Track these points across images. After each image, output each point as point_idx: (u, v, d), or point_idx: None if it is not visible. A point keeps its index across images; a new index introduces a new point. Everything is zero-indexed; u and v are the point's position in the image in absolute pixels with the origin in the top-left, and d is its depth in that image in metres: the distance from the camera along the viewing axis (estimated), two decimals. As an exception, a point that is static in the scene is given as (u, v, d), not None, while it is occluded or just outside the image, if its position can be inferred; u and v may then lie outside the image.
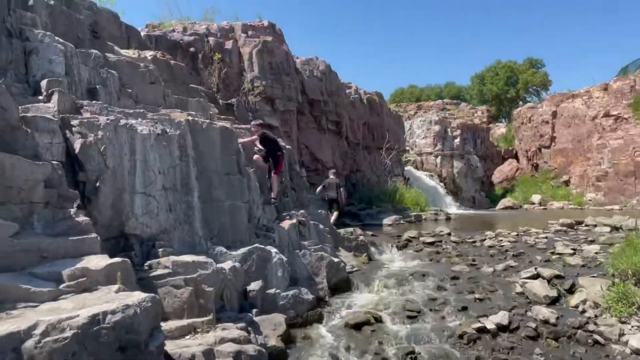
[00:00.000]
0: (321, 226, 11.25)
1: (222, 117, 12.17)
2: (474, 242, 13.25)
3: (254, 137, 10.49)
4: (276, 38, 18.00)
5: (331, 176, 15.61)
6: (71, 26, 9.10)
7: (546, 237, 13.30)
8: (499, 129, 44.03)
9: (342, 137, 22.18)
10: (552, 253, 11.09)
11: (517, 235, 14.05)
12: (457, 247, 12.65)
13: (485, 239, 13.41)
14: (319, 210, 12.86)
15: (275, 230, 9.31)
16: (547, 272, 8.98)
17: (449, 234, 14.40)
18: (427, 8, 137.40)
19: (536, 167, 35.11)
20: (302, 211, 11.18)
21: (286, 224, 9.81)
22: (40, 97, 7.00)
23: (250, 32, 17.31)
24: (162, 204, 7.25)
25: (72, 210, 5.67)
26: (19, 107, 6.16)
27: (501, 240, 13.07)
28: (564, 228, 15.30)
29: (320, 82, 20.24)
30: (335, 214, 14.76)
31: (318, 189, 15.27)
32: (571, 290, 8.32)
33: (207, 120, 8.87)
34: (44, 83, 7.16)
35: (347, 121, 22.49)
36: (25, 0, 8.37)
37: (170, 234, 7.29)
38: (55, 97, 6.82)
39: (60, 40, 7.97)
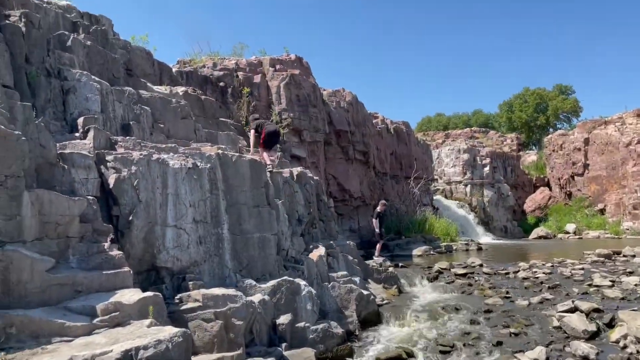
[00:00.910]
0: (350, 257, 11.17)
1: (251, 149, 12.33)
2: (507, 273, 12.94)
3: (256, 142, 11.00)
4: (303, 71, 18.30)
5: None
6: (106, 65, 9.45)
7: (582, 268, 12.91)
8: (530, 157, 43.33)
9: (370, 166, 22.16)
10: (590, 285, 10.74)
11: (552, 266, 13.67)
12: (490, 279, 12.36)
13: (519, 271, 13.08)
14: (348, 242, 12.78)
15: (304, 262, 9.28)
16: (585, 305, 8.67)
17: (481, 265, 14.10)
18: (452, 36, 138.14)
19: (569, 195, 34.30)
20: (330, 242, 11.14)
21: (315, 255, 9.77)
22: (77, 134, 7.24)
23: (277, 66, 17.65)
24: (192, 237, 7.34)
25: (106, 244, 5.79)
26: (57, 144, 6.38)
27: (536, 272, 12.73)
28: (601, 259, 14.83)
29: (347, 112, 20.39)
30: (377, 245, 14.80)
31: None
32: (611, 325, 8.01)
33: (237, 154, 9.00)
34: (80, 120, 7.42)
35: (374, 151, 22.51)
36: (63, 41, 8.74)
37: (200, 267, 7.34)
38: (91, 134, 7.05)
39: (96, 78, 8.29)
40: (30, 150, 5.32)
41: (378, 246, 14.75)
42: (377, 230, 14.97)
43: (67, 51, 8.57)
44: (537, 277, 12.11)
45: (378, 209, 15.58)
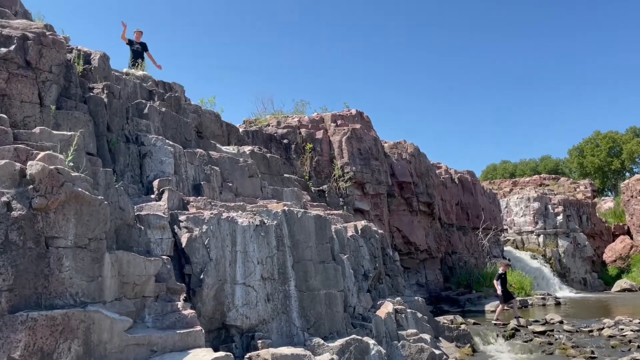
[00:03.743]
0: (419, 314, 10.79)
1: (315, 203, 12.47)
2: (591, 331, 12.05)
3: None
4: (364, 125, 18.55)
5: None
6: (179, 129, 10.00)
7: (676, 325, 11.80)
8: (606, 204, 40.97)
9: (435, 218, 21.72)
10: (687, 344, 9.77)
11: (641, 322, 12.59)
12: (572, 337, 11.53)
13: (603, 327, 12.16)
14: (416, 297, 12.40)
15: (371, 319, 9.07)
16: (684, 367, 7.88)
17: (561, 322, 13.23)
18: (514, 81, 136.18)
19: (654, 243, 31.89)
20: (398, 298, 10.85)
21: (382, 312, 9.53)
22: (153, 196, 7.62)
23: (339, 121, 18.01)
24: (260, 294, 7.38)
25: (180, 303, 5.93)
26: (134, 207, 6.73)
27: (622, 329, 11.77)
28: (697, 314, 13.52)
29: (409, 164, 20.31)
30: (498, 308, 14.25)
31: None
32: None
33: (302, 210, 9.11)
34: (155, 183, 7.82)
35: (439, 202, 22.11)
36: (141, 109, 9.39)
37: (268, 325, 7.34)
38: (165, 195, 7.40)
39: (170, 142, 8.77)
40: (111, 213, 5.63)
41: (499, 309, 14.11)
42: (499, 292, 14.38)
43: (144, 118, 9.17)
44: (625, 335, 11.20)
45: (500, 269, 15.00)
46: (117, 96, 8.61)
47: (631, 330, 11.54)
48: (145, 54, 12.83)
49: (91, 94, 8.24)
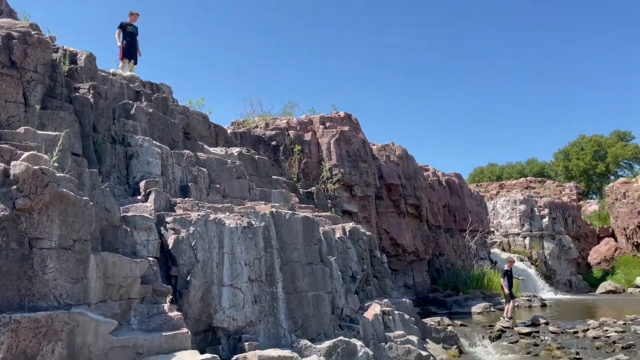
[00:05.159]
0: (406, 316, 10.82)
1: (303, 205, 12.46)
2: (576, 332, 12.16)
3: None
4: (352, 127, 18.59)
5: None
6: (166, 130, 9.94)
7: (660, 326, 11.96)
8: (591, 206, 41.47)
9: (422, 220, 21.80)
10: (670, 345, 9.91)
11: (625, 324, 12.75)
12: (557, 339, 11.63)
13: (588, 329, 12.27)
14: (403, 299, 12.43)
15: (359, 321, 9.07)
16: (667, 368, 7.98)
17: (547, 323, 13.33)
18: (502, 84, 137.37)
19: (637, 246, 32.30)
20: (385, 300, 10.87)
21: (370, 314, 9.54)
22: (139, 197, 7.56)
23: (327, 123, 18.03)
24: (247, 296, 7.35)
25: (166, 305, 5.89)
26: (120, 208, 6.67)
27: (607, 330, 11.89)
28: (680, 315, 13.71)
29: (397, 166, 20.39)
30: (509, 305, 14.11)
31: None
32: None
33: (290, 211, 9.10)
34: (142, 184, 7.75)
35: (426, 204, 22.20)
36: (127, 110, 9.30)
37: (255, 327, 7.31)
38: (152, 197, 7.34)
39: (157, 143, 8.71)
40: (96, 214, 5.57)
41: (508, 306, 14.03)
42: (506, 290, 14.34)
43: (131, 119, 9.09)
44: (609, 336, 11.31)
45: (506, 266, 14.96)
46: (103, 96, 8.54)
47: (615, 332, 11.66)
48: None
49: (77, 94, 8.16)
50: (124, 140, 8.51)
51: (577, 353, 10.13)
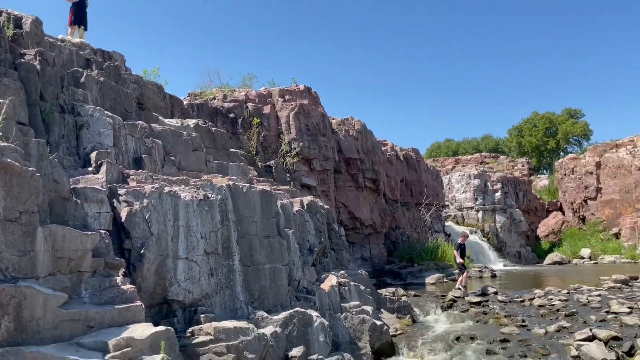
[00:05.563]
0: (362, 287, 11.05)
1: (261, 179, 12.40)
2: (523, 301, 12.72)
3: None
4: (312, 101, 18.49)
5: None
6: (119, 100, 9.63)
7: (599, 295, 12.66)
8: (541, 181, 43.04)
9: (380, 194, 22.12)
10: (608, 312, 10.53)
11: (568, 293, 13.43)
12: (505, 307, 12.15)
13: (534, 298, 12.86)
14: (360, 270, 12.67)
15: (315, 292, 9.21)
16: (603, 333, 8.49)
17: (496, 293, 13.89)
18: (460, 62, 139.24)
19: (583, 219, 33.89)
20: (342, 272, 11.05)
21: (326, 285, 9.69)
22: (90, 169, 7.34)
23: (286, 97, 17.86)
24: (203, 269, 7.32)
25: (118, 279, 5.80)
26: (70, 179, 6.46)
27: (551, 299, 12.50)
28: (618, 284, 14.55)
29: (356, 140, 20.50)
30: (462, 276, 14.46)
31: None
32: (630, 353, 7.83)
33: (247, 184, 9.05)
34: (93, 155, 7.53)
35: (384, 178, 22.51)
36: (77, 78, 8.94)
37: (211, 299, 7.31)
38: (103, 168, 7.14)
39: (109, 113, 8.44)
40: (44, 186, 5.38)
41: (462, 276, 14.42)
42: (459, 260, 14.74)
43: (81, 87, 8.75)
44: (553, 305, 11.89)
45: (460, 240, 15.32)
46: (51, 63, 8.17)
47: (559, 300, 12.26)
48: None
49: (22, 60, 7.78)
50: (74, 110, 8.20)
51: (523, 320, 10.61)
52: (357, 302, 10.05)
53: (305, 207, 10.96)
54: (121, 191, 6.89)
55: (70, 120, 7.99)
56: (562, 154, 49.78)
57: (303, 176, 16.77)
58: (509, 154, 53.73)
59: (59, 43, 9.61)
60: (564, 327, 9.66)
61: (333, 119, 20.36)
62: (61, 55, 9.27)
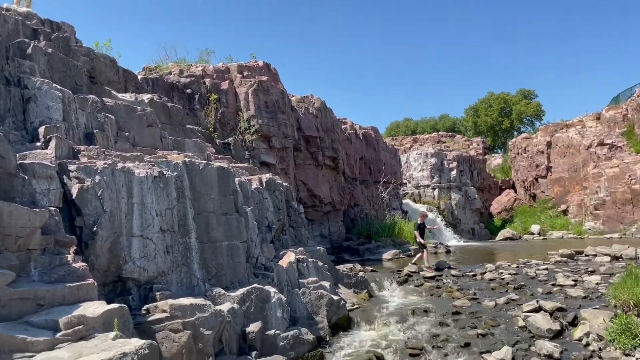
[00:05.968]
0: (320, 263, 11.18)
1: (219, 156, 12.26)
2: (475, 275, 13.16)
3: None
4: (271, 77, 18.29)
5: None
6: (69, 73, 9.26)
7: (547, 269, 13.23)
8: (495, 160, 44.33)
9: (339, 172, 22.27)
10: (553, 285, 11.02)
11: (518, 267, 13.97)
12: (458, 281, 12.55)
13: (485, 272, 13.32)
14: (318, 247, 12.80)
15: (273, 269, 9.26)
16: (549, 304, 8.90)
17: (450, 268, 14.31)
18: (418, 42, 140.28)
19: (534, 197, 35.19)
20: (300, 248, 11.13)
21: (284, 262, 9.76)
22: (38, 144, 7.07)
23: (245, 73, 17.60)
24: (159, 247, 7.24)
25: (69, 256, 5.66)
26: (17, 155, 6.22)
27: (502, 273, 12.98)
28: (564, 259, 15.23)
29: (316, 118, 20.48)
30: (423, 255, 14.63)
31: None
32: (574, 323, 8.24)
33: (204, 161, 8.94)
34: (41, 130, 7.25)
35: (343, 156, 22.65)
36: (23, 49, 8.54)
37: (167, 277, 7.25)
38: (52, 143, 6.90)
39: (58, 87, 8.11)
40: (-12, 161, 5.17)
41: (424, 255, 14.61)
42: (419, 239, 14.91)
43: (28, 59, 8.37)
44: (503, 278, 12.35)
45: (419, 220, 15.46)
46: (-6, 33, 7.76)
47: (509, 274, 12.75)
48: None
49: (-38, 28, 7.36)
50: (20, 82, 7.85)
51: (475, 294, 11.00)
52: (315, 278, 10.18)
53: (264, 184, 10.94)
54: (72, 167, 6.68)
55: (16, 93, 7.65)
56: (515, 133, 51.20)
57: (262, 154, 16.67)
58: (465, 133, 54.89)
59: (3, 12, 9.11)
60: (513, 300, 10.08)
61: (293, 96, 20.23)
62: (6, 24, 8.80)
